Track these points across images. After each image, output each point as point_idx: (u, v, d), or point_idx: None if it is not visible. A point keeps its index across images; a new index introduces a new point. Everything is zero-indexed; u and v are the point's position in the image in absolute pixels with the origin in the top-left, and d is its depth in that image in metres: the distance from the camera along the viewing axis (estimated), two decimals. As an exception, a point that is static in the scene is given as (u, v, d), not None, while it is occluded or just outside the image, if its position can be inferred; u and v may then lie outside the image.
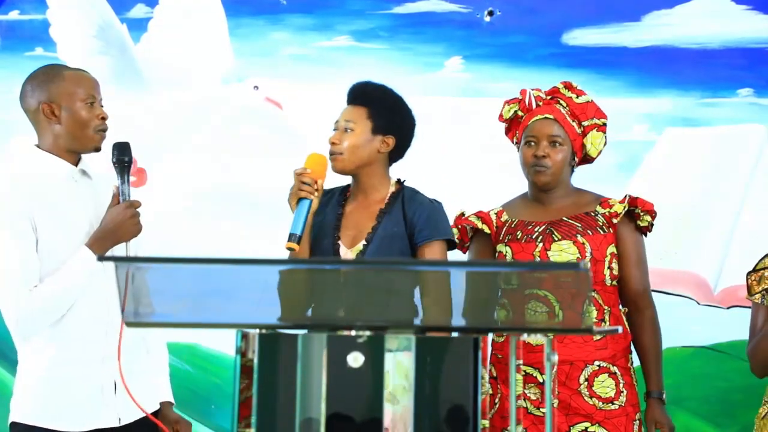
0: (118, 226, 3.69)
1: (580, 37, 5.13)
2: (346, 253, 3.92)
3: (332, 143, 3.94)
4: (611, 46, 5.09)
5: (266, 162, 5.24)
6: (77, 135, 3.75)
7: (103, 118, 3.77)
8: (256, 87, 5.32)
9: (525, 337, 3.00)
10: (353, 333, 2.65)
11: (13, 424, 3.75)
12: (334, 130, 3.99)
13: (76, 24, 5.31)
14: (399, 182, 4.04)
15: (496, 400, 4.14)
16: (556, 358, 3.34)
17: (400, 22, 5.27)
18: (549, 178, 4.12)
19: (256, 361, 2.73)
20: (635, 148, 4.99)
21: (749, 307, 4.04)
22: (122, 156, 3.71)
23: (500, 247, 4.19)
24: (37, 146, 3.79)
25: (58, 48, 5.33)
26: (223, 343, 4.55)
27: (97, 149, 3.78)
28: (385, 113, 4.00)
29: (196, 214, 5.15)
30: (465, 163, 5.08)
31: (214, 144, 5.31)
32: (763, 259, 4.03)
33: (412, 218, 4.00)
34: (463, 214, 4.25)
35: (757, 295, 3.97)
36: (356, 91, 4.05)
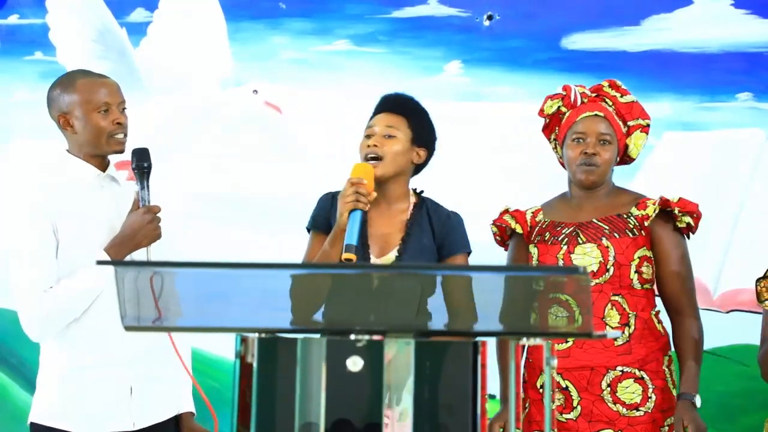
0: (135, 232, 3.70)
1: (580, 41, 5.14)
2: (376, 262, 3.91)
3: (373, 146, 3.94)
4: (610, 50, 5.10)
5: (265, 166, 5.26)
6: (94, 143, 3.76)
7: (120, 123, 3.79)
8: (255, 91, 5.34)
9: (524, 341, 3.01)
10: (353, 337, 2.67)
11: (32, 425, 3.78)
12: (367, 136, 3.98)
13: (76, 28, 5.33)
14: (416, 192, 4.05)
15: (526, 404, 4.14)
16: (555, 362, 3.34)
17: (399, 26, 5.29)
18: (597, 177, 4.09)
19: (255, 365, 2.73)
20: (634, 152, 5.00)
21: (748, 311, 4.04)
22: (141, 162, 3.72)
23: (531, 248, 4.18)
24: (68, 151, 3.82)
25: (57, 52, 5.35)
26: (222, 347, 4.54)
27: (119, 151, 3.80)
28: (423, 125, 4.04)
29: (194, 218, 5.15)
30: (464, 167, 5.08)
31: (213, 148, 5.32)
32: None
33: (440, 231, 4.04)
34: (507, 211, 4.23)
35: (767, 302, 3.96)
36: (393, 100, 4.05)
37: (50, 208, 3.71)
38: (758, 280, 4.02)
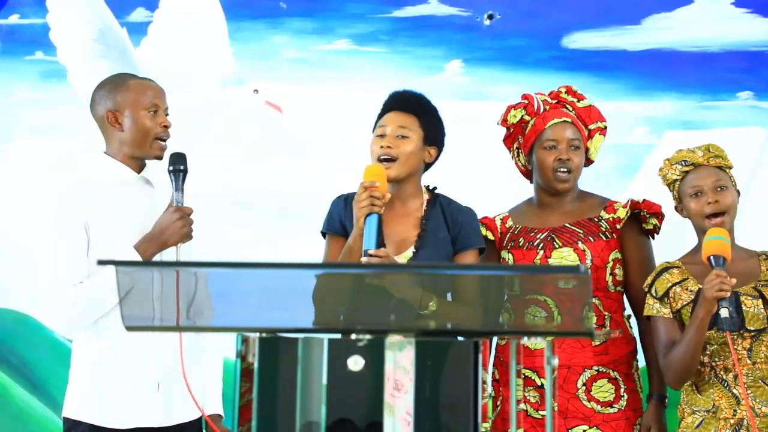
0: (163, 230, 3.77)
1: (580, 40, 5.15)
2: (395, 260, 3.91)
3: (387, 147, 3.94)
4: (611, 49, 5.11)
5: (266, 165, 5.26)
6: (139, 142, 3.85)
7: (165, 126, 3.89)
8: (256, 90, 5.34)
9: (524, 340, 3.02)
10: (353, 337, 2.66)
11: (65, 419, 3.85)
12: (379, 136, 3.99)
13: (76, 28, 5.33)
14: (429, 189, 4.06)
15: (498, 403, 4.15)
16: (556, 361, 3.33)
17: (399, 25, 5.29)
18: (571, 183, 4.14)
19: (256, 364, 2.74)
20: (635, 151, 5.00)
21: None
22: (177, 165, 3.78)
23: (503, 254, 4.21)
24: (105, 153, 3.89)
25: (58, 52, 5.36)
26: (224, 347, 4.56)
27: (158, 158, 3.90)
28: (434, 124, 4.06)
29: (196, 217, 5.16)
30: (465, 165, 5.09)
31: (214, 147, 5.32)
32: (661, 274, 4.04)
33: (454, 224, 4.07)
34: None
35: (666, 310, 3.95)
36: (403, 99, 4.09)
37: (81, 207, 3.78)
38: (647, 292, 4.08)
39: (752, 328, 3.87)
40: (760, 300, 3.90)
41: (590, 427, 4.07)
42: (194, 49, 5.38)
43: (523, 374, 4.07)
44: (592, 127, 4.22)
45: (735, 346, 3.84)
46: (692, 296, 3.94)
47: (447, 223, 4.04)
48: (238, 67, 5.37)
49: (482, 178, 5.03)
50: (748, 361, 3.88)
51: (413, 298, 3.12)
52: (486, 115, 5.15)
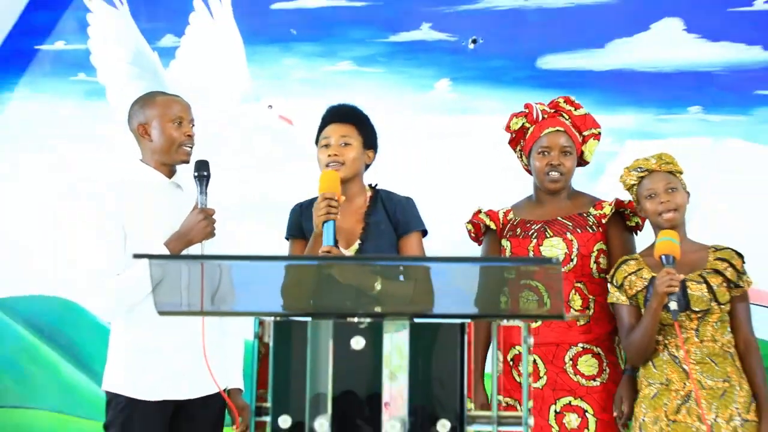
0: (189, 229, 3.75)
1: (552, 62, 5.13)
2: (345, 253, 3.92)
3: (334, 155, 3.94)
4: (579, 69, 5.09)
5: (277, 174, 5.25)
6: (167, 150, 3.83)
7: (189, 136, 3.86)
8: (270, 106, 5.33)
9: (505, 322, 3.01)
10: (356, 320, 2.68)
11: (106, 393, 3.84)
12: (324, 146, 3.97)
13: (114, 52, 5.32)
14: (372, 187, 4.07)
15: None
16: (531, 340, 3.30)
17: (395, 49, 5.28)
18: (562, 184, 4.13)
19: (271, 344, 2.73)
20: (600, 158, 4.94)
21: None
22: (201, 171, 3.76)
23: (503, 242, 4.20)
24: (140, 160, 3.88)
25: (98, 73, 5.36)
26: (245, 331, 4.56)
27: (185, 161, 3.86)
28: (370, 130, 4.05)
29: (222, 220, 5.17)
30: (452, 173, 5.09)
31: (234, 156, 5.32)
32: (620, 266, 4.04)
33: (394, 214, 4.03)
34: (480, 211, 4.26)
35: (624, 298, 3.99)
36: (342, 112, 4.04)
37: (120, 208, 3.75)
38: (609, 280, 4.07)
39: (697, 309, 3.87)
40: (704, 285, 3.91)
41: (575, 398, 4.05)
42: (216, 69, 5.37)
43: (517, 350, 4.07)
44: (586, 133, 4.20)
45: (684, 327, 3.86)
46: (645, 283, 3.95)
47: (388, 214, 4.03)
48: (254, 86, 5.36)
49: (467, 184, 5.02)
50: (696, 339, 3.87)
51: (362, 283, 3.11)
52: (471, 126, 5.16)
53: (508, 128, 4.24)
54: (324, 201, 3.76)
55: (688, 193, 4.06)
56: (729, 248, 4.03)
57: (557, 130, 4.15)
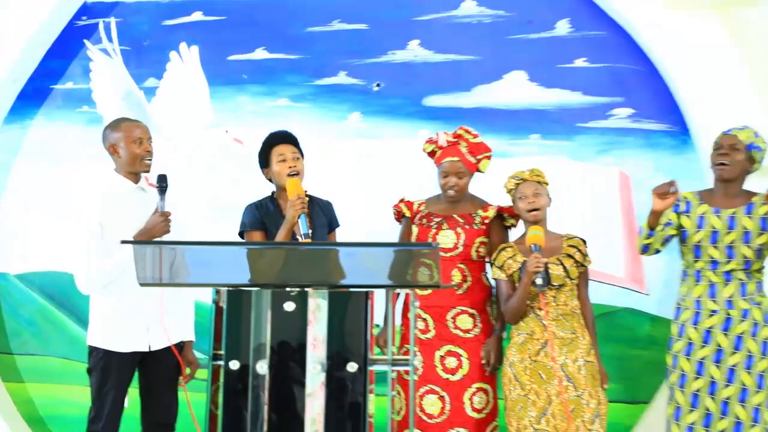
0: (152, 227, 3.69)
1: (434, 100, 5.09)
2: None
3: (294, 166, 3.94)
4: (453, 106, 5.02)
5: (231, 180, 5.23)
6: (132, 163, 3.78)
7: (148, 151, 3.81)
8: (227, 131, 5.30)
9: (406, 290, 2.94)
10: (288, 289, 2.69)
11: (89, 347, 3.81)
12: (282, 161, 3.96)
13: (110, 91, 5.23)
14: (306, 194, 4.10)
15: (401, 327, 4.19)
16: (417, 303, 3.31)
17: (320, 90, 5.23)
18: (457, 197, 4.19)
19: (225, 308, 2.77)
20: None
21: None
22: (162, 183, 3.72)
23: (413, 227, 4.26)
24: (114, 170, 3.83)
25: (97, 106, 5.24)
26: (204, 296, 4.53)
27: (147, 171, 3.82)
28: (299, 148, 4.12)
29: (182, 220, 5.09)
30: (361, 186, 5.12)
31: (201, 169, 5.29)
32: (500, 252, 4.06)
33: (327, 214, 4.09)
34: (402, 200, 4.28)
35: (503, 275, 4.04)
36: (285, 135, 4.08)
37: (99, 209, 3.72)
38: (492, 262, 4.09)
39: (555, 284, 3.97)
40: (561, 267, 4.01)
41: (454, 346, 4.06)
42: (187, 104, 5.33)
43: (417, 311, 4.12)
44: (480, 156, 4.25)
45: (546, 295, 3.97)
46: (519, 265, 4.02)
47: (323, 213, 4.11)
48: (216, 117, 5.30)
49: (373, 194, 5.03)
50: (554, 304, 3.93)
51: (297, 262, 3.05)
52: (376, 148, 5.19)
53: (423, 150, 4.30)
54: (298, 200, 3.78)
55: (550, 198, 4.15)
56: (577, 237, 4.09)
57: (453, 160, 4.21)
